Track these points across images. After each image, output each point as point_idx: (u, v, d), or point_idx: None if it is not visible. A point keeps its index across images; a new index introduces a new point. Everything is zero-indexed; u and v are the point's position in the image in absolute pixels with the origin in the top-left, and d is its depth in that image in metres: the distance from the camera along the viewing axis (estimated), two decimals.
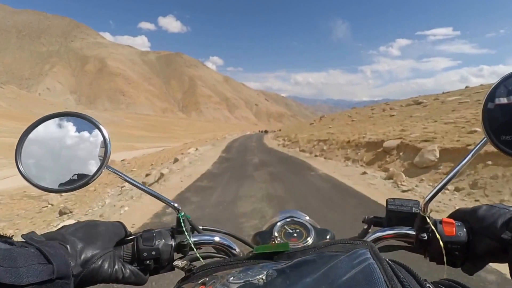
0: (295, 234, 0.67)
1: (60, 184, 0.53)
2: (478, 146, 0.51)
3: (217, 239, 0.62)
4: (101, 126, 0.56)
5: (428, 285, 0.33)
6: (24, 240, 0.38)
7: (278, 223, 0.71)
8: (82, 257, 0.45)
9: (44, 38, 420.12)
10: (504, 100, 0.46)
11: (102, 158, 0.55)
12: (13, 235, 0.39)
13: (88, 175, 0.54)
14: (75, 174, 0.54)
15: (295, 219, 0.73)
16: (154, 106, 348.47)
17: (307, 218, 0.78)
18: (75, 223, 0.51)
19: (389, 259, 0.36)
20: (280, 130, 66.42)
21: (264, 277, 0.35)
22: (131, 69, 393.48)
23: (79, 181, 0.53)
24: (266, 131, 70.16)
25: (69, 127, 0.55)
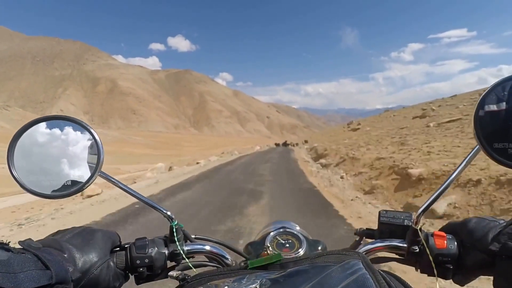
0: (287, 245, 0.67)
1: (53, 190, 0.52)
2: (471, 154, 0.50)
3: (209, 248, 0.62)
4: (92, 131, 0.55)
5: None
6: (21, 247, 0.39)
7: (271, 233, 0.71)
8: (81, 265, 0.45)
9: (57, 63, 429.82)
10: (495, 108, 0.46)
11: (95, 163, 0.54)
12: (10, 242, 0.39)
13: (81, 182, 0.53)
14: (68, 180, 0.53)
15: (287, 229, 0.72)
16: (166, 123, 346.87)
17: (299, 228, 0.77)
18: (72, 228, 0.50)
19: (381, 270, 0.36)
20: (306, 141, 56.87)
21: (258, 287, 0.36)
22: (141, 88, 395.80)
23: (72, 187, 0.52)
24: (286, 144, 57.06)
25: (60, 130, 0.54)
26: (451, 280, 0.53)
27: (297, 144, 58.37)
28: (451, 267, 0.52)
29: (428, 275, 0.54)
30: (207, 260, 0.64)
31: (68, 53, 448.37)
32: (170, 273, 0.52)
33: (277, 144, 60.65)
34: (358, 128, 37.27)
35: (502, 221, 0.50)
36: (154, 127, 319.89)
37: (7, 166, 0.50)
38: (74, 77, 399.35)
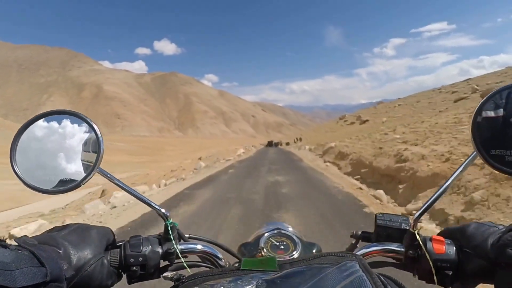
0: (282, 247, 0.66)
1: (53, 185, 0.53)
2: (468, 160, 0.51)
3: (203, 248, 0.62)
4: (94, 125, 0.55)
5: None
6: (17, 244, 0.39)
7: (265, 235, 0.70)
8: (75, 262, 0.45)
9: (43, 70, 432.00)
10: (493, 115, 0.47)
11: (94, 159, 0.54)
12: (6, 238, 0.40)
13: (80, 177, 0.53)
14: (67, 175, 0.53)
15: (282, 231, 0.72)
16: (150, 126, 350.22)
17: (293, 230, 0.76)
18: (67, 225, 0.51)
19: (378, 272, 0.36)
20: (299, 139, 49.32)
21: None
22: (126, 92, 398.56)
23: (72, 183, 0.53)
24: (274, 144, 50.04)
25: (63, 125, 0.54)
26: None
27: (287, 143, 51.36)
28: (450, 273, 0.50)
29: (426, 282, 0.52)
30: (200, 260, 0.64)
31: (54, 60, 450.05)
32: (165, 274, 0.52)
33: (270, 144, 51.67)
34: (367, 120, 32.72)
35: (501, 227, 0.49)
36: (138, 131, 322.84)
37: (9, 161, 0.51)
38: (59, 83, 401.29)
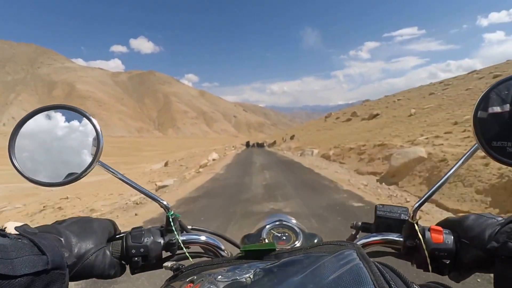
0: (284, 238, 0.67)
1: (53, 178, 0.53)
2: (469, 152, 0.51)
3: (205, 238, 0.62)
4: (93, 119, 0.55)
5: (414, 286, 0.33)
6: (17, 232, 0.38)
7: (267, 226, 0.70)
8: (76, 250, 0.45)
9: (9, 67, 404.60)
10: (495, 107, 0.47)
11: (94, 151, 0.54)
12: (6, 227, 0.39)
13: (79, 170, 0.53)
14: (66, 169, 0.54)
15: (284, 222, 0.72)
16: (129, 126, 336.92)
17: (295, 221, 0.76)
18: (69, 218, 0.52)
19: (376, 261, 0.36)
20: (291, 137, 39.37)
21: (251, 276, 0.36)
22: (101, 91, 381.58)
23: (71, 176, 0.53)
24: (259, 145, 43.59)
25: (61, 120, 0.55)
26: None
27: (274, 142, 42.98)
28: (448, 262, 0.51)
29: (424, 271, 0.53)
30: (203, 251, 0.64)
31: (21, 57, 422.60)
32: (165, 263, 0.52)
33: (248, 145, 45.71)
34: (378, 114, 28.00)
35: (500, 219, 0.49)
36: (116, 131, 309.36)
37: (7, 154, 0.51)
38: (27, 81, 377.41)
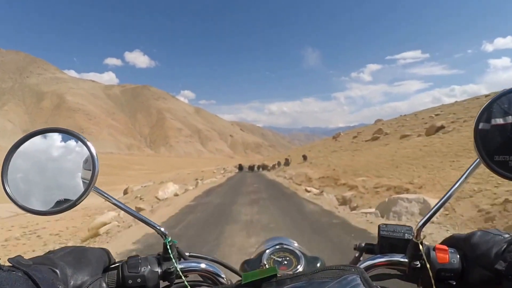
0: (285, 262, 0.65)
1: (47, 206, 0.52)
2: (471, 167, 0.50)
3: (204, 266, 0.60)
4: (88, 143, 0.54)
5: None
6: (11, 264, 0.37)
7: (267, 251, 0.68)
8: (72, 283, 0.44)
9: None
10: (496, 121, 0.46)
11: (89, 178, 0.53)
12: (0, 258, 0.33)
13: (74, 197, 0.52)
14: (62, 195, 0.52)
15: (285, 246, 0.70)
16: (118, 142, 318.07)
17: (296, 245, 0.74)
18: (62, 247, 0.50)
19: (380, 286, 0.35)
20: (288, 161, 31.93)
21: None
22: (92, 104, 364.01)
23: (66, 203, 0.52)
24: (253, 168, 37.54)
25: (56, 144, 0.54)
26: None
27: (276, 165, 35.46)
28: (454, 283, 0.49)
29: None
30: (201, 279, 0.62)
31: (9, 65, 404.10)
32: None
33: (241, 168, 40.71)
34: (443, 127, 18.12)
35: (507, 236, 0.48)
36: (104, 147, 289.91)
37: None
38: (15, 91, 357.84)
